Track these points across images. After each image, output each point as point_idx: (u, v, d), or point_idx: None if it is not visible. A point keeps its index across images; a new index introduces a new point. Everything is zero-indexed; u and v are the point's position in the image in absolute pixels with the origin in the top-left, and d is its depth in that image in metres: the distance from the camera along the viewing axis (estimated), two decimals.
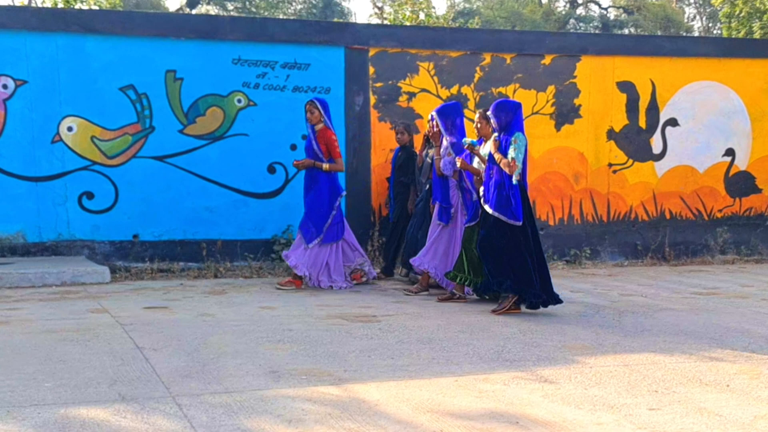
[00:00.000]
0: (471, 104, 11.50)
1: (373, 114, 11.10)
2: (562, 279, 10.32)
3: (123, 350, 6.19)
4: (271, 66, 10.54)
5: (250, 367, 5.80)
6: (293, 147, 10.67)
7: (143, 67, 10.05)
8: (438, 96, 11.34)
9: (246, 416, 4.72)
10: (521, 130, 7.87)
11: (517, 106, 7.98)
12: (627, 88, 12.20)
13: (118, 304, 7.99)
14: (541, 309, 7.94)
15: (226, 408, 4.86)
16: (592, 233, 12.12)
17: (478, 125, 8.34)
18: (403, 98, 11.22)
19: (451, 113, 8.88)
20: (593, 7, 42.12)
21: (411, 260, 9.12)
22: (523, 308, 7.99)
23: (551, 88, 11.85)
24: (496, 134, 7.94)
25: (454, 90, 11.43)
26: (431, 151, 9.21)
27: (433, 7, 18.92)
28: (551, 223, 11.95)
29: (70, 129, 9.88)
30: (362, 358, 6.10)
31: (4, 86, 9.67)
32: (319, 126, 9.16)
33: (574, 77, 11.94)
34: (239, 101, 10.44)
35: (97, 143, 9.87)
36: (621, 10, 41.04)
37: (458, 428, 4.57)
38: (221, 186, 10.39)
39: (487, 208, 7.90)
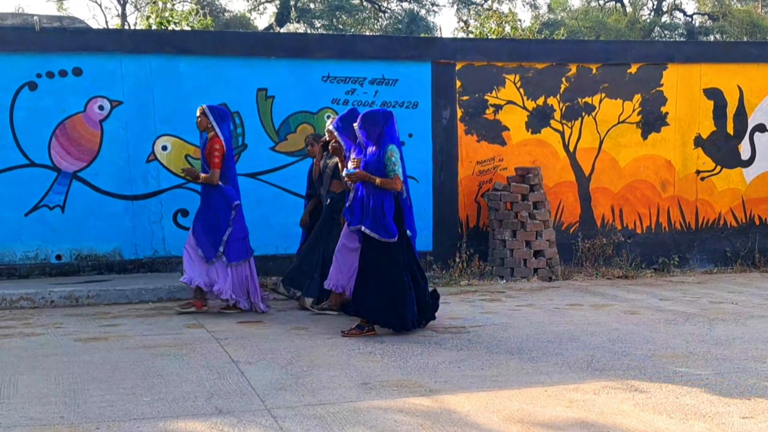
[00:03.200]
0: (557, 115, 11.47)
1: (460, 127, 11.16)
2: (650, 287, 10.20)
3: (219, 364, 6.35)
4: (359, 82, 10.71)
5: (343, 379, 5.89)
6: None
7: (235, 86, 10.32)
8: (524, 107, 11.34)
9: (339, 428, 4.81)
10: (393, 141, 7.30)
11: (388, 116, 7.36)
12: (714, 94, 11.99)
13: (213, 319, 8.17)
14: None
15: (320, 420, 4.96)
16: (681, 241, 11.92)
17: (334, 144, 7.97)
18: (489, 111, 11.26)
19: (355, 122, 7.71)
20: (678, 14, 41.28)
21: (325, 283, 8.23)
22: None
23: (637, 97, 11.73)
24: (350, 152, 7.46)
25: (540, 101, 11.42)
26: (330, 162, 8.50)
27: (519, 20, 18.81)
28: (638, 231, 11.80)
29: (164, 148, 10.20)
30: (452, 369, 6.14)
31: (101, 107, 10.02)
32: (210, 134, 8.38)
33: (661, 85, 11.79)
34: (329, 117, 10.58)
35: (191, 162, 10.16)
36: (706, 17, 40.13)
37: None
38: None
39: (358, 227, 7.34)
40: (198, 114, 8.40)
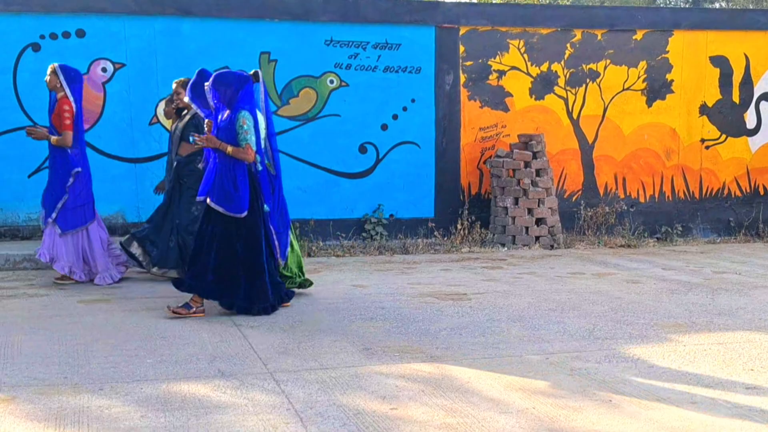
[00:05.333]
0: (561, 81, 11.42)
1: (463, 93, 11.12)
2: (653, 257, 10.21)
3: (221, 327, 6.39)
4: (362, 47, 10.65)
5: (344, 344, 5.93)
6: (384, 127, 10.78)
7: (238, 49, 10.27)
8: (528, 73, 11.29)
9: (341, 392, 4.85)
10: (248, 108, 6.69)
11: (243, 80, 6.71)
12: (720, 62, 11.93)
13: None
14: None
15: (321, 384, 5.00)
16: (684, 210, 11.92)
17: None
18: (493, 76, 11.21)
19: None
20: None
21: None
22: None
23: (643, 64, 11.67)
24: (202, 114, 6.94)
25: (544, 67, 11.36)
26: (180, 124, 8.08)
27: None
28: (642, 200, 11.80)
29: None
30: (453, 336, 6.17)
31: (104, 69, 9.98)
32: (60, 94, 8.01)
33: (666, 52, 11.73)
34: (331, 82, 10.58)
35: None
36: None
37: (550, 406, 4.61)
38: (314, 166, 10.58)
39: (205, 199, 6.77)
40: (48, 72, 8.02)
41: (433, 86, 10.95)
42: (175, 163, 8.12)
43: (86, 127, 9.85)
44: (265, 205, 6.92)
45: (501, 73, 11.24)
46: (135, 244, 8.25)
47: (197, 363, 5.45)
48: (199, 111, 6.99)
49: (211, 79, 6.69)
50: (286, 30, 10.40)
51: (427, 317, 6.79)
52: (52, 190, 8.06)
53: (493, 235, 10.93)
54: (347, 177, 10.73)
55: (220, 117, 6.71)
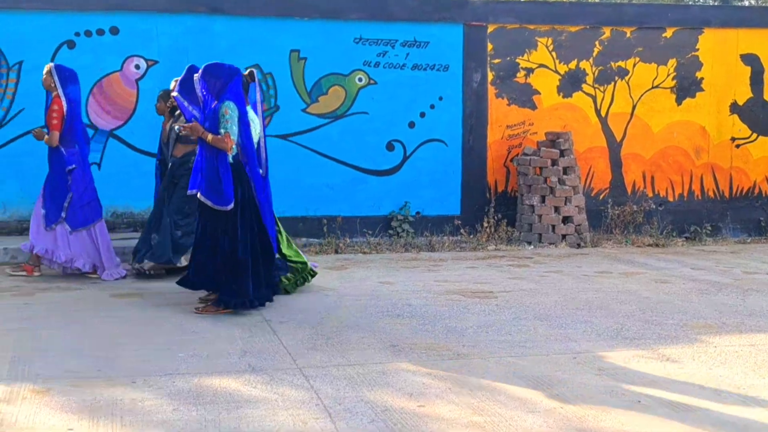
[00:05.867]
0: (589, 79, 11.40)
1: (491, 90, 11.13)
2: (681, 256, 10.18)
3: (251, 322, 6.47)
4: (391, 44, 10.69)
5: (372, 340, 5.98)
6: (411, 124, 10.81)
7: (268, 47, 10.32)
8: (556, 71, 11.28)
9: (369, 389, 4.90)
10: (235, 99, 6.64)
11: (233, 72, 6.70)
12: (751, 60, 11.85)
13: None
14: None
15: (349, 380, 5.05)
16: (714, 209, 11.86)
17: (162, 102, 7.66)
18: (520, 74, 11.21)
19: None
20: None
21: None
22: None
23: (672, 62, 11.63)
24: (195, 111, 6.89)
25: (573, 65, 11.35)
26: (176, 125, 7.94)
27: None
28: (670, 198, 11.76)
29: None
30: (480, 334, 6.21)
31: (137, 66, 10.08)
32: (54, 94, 8.08)
33: (696, 50, 11.68)
34: (360, 80, 10.63)
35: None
36: None
37: (577, 406, 4.63)
38: (341, 163, 10.64)
39: (196, 193, 6.75)
40: (44, 72, 8.12)
41: (460, 84, 10.97)
42: (170, 164, 8.14)
43: (119, 123, 10.01)
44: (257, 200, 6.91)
45: (529, 71, 11.24)
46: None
47: (228, 357, 5.52)
48: (185, 102, 6.91)
49: (201, 70, 6.69)
50: (316, 28, 10.45)
51: (454, 315, 6.82)
52: (53, 190, 8.11)
53: (520, 233, 10.93)
54: (374, 174, 10.78)
55: (210, 106, 6.67)
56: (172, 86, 7.99)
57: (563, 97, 11.39)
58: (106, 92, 9.99)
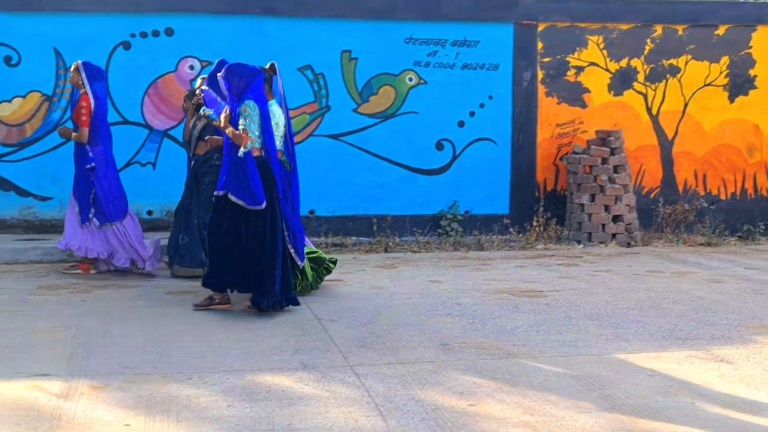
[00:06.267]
0: (641, 77, 11.32)
1: (541, 89, 11.10)
2: (734, 255, 10.06)
3: (303, 320, 6.54)
4: (441, 44, 10.71)
5: (422, 339, 6.01)
6: (461, 124, 10.82)
7: (320, 47, 10.39)
8: (607, 69, 11.21)
9: (419, 387, 4.94)
10: (255, 99, 6.66)
11: (255, 73, 6.73)
12: None
13: None
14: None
15: (400, 379, 5.09)
16: (767, 208, 11.70)
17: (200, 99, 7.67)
18: (571, 72, 11.16)
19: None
20: None
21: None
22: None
23: (725, 59, 11.49)
24: (213, 117, 6.99)
25: (623, 63, 11.27)
26: (199, 123, 7.99)
27: None
28: (723, 197, 11.62)
29: None
30: (530, 333, 6.21)
31: (191, 67, 10.21)
32: (82, 91, 8.17)
33: (750, 47, 11.52)
34: (410, 80, 10.67)
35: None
36: None
37: (630, 407, 4.62)
38: (391, 163, 10.68)
39: (225, 193, 6.72)
40: (71, 70, 8.22)
41: (510, 83, 10.96)
42: (192, 162, 8.14)
43: (174, 123, 10.16)
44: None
45: (579, 69, 11.18)
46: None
47: (281, 355, 5.60)
48: (208, 109, 7.02)
49: (223, 69, 6.74)
50: (367, 28, 10.50)
51: (504, 314, 6.83)
52: (78, 186, 8.23)
53: (569, 232, 10.89)
54: (424, 173, 10.81)
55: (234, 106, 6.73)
56: (199, 83, 8.08)
57: (614, 95, 11.32)
58: (161, 93, 10.15)
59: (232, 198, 6.63)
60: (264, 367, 5.33)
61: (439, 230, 10.77)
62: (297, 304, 6.87)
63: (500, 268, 9.11)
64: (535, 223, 10.90)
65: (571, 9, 11.17)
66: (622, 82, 11.31)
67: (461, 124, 10.83)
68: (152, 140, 10.01)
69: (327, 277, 8.03)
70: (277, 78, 7.11)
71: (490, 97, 10.88)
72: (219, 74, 6.74)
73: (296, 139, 10.27)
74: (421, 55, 10.67)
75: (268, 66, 7.11)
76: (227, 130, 6.65)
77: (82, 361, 5.41)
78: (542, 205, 11.07)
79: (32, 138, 9.53)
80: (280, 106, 7.11)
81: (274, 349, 5.74)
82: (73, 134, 8.17)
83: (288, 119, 7.21)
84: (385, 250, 10.14)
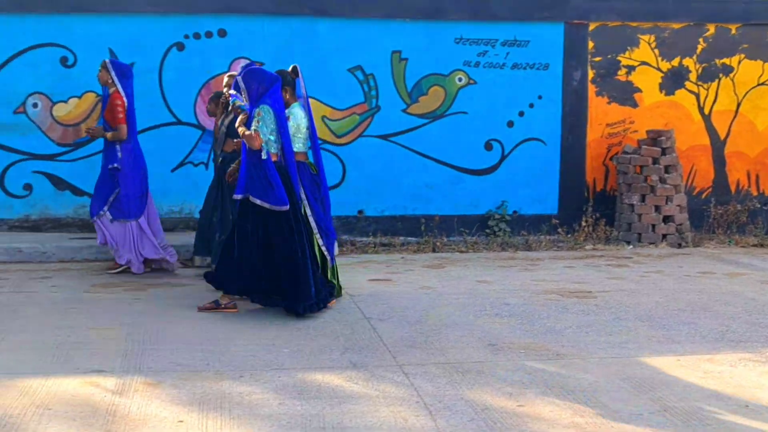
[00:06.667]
0: (693, 76, 11.19)
1: (591, 89, 11.02)
2: None
3: (352, 320, 6.59)
4: (491, 44, 10.69)
5: (470, 339, 6.03)
6: (510, 124, 10.79)
7: (370, 48, 10.43)
8: (658, 68, 11.11)
9: (468, 387, 4.96)
10: (270, 104, 6.67)
11: (274, 79, 6.77)
12: None
13: (345, 276, 8.30)
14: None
15: (449, 378, 5.12)
16: None
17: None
18: (622, 72, 11.08)
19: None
20: None
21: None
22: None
23: None
24: (243, 107, 6.85)
25: (675, 62, 11.15)
26: (227, 120, 7.99)
27: None
28: None
29: None
30: (579, 334, 6.19)
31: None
32: (112, 89, 8.24)
33: None
34: (460, 80, 10.67)
35: (327, 123, 10.39)
36: None
37: (682, 410, 4.59)
38: (440, 163, 10.69)
39: (246, 196, 6.70)
40: (100, 68, 8.26)
41: (560, 82, 10.91)
42: (220, 160, 8.11)
43: None
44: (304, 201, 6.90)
45: (630, 69, 11.09)
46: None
47: (330, 354, 5.65)
48: (238, 100, 6.91)
49: (244, 73, 6.80)
50: (417, 29, 10.51)
51: (552, 314, 6.82)
52: (101, 183, 8.34)
53: (618, 232, 10.81)
54: (472, 173, 10.81)
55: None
56: (225, 81, 8.12)
57: (665, 94, 11.21)
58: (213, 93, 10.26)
59: (255, 201, 6.62)
60: (314, 365, 5.39)
61: (487, 230, 10.75)
62: (327, 303, 6.88)
63: (548, 268, 9.08)
64: (584, 224, 10.84)
65: (622, 8, 11.07)
66: (673, 81, 11.20)
67: (510, 124, 10.80)
68: (205, 141, 10.12)
69: (375, 277, 8.07)
70: (300, 81, 7.17)
71: (540, 97, 10.84)
72: (239, 77, 6.81)
73: (346, 139, 10.42)
74: (471, 55, 10.66)
75: (290, 69, 7.20)
76: (240, 130, 6.70)
77: (136, 358, 5.51)
78: (591, 206, 11.01)
79: (87, 138, 9.69)
80: (303, 108, 7.15)
81: (323, 348, 5.80)
82: (109, 133, 8.23)
83: (312, 122, 7.22)
84: (433, 250, 10.15)
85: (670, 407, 4.63)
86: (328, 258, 7.16)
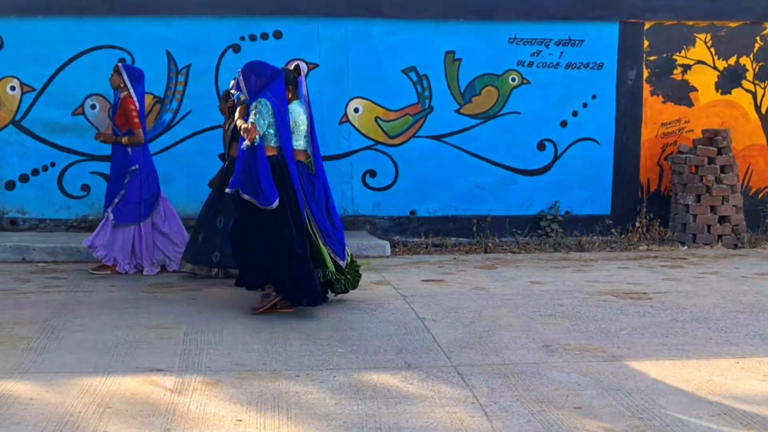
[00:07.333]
0: (750, 75, 11.03)
1: (646, 88, 10.93)
2: None
3: (406, 320, 6.61)
4: (545, 44, 10.65)
5: (525, 340, 6.02)
6: (563, 123, 10.74)
7: (424, 49, 10.45)
8: (714, 67, 10.97)
9: (524, 388, 4.95)
10: (272, 97, 6.62)
11: (276, 73, 6.72)
12: None
13: (398, 277, 8.43)
14: None
15: (504, 379, 5.11)
16: None
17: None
18: (677, 71, 10.96)
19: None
20: None
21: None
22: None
23: None
24: (243, 100, 6.79)
25: (732, 61, 11.01)
26: (233, 124, 7.75)
27: None
28: None
29: (356, 110, 10.46)
30: (635, 336, 6.15)
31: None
32: (123, 93, 8.29)
33: None
34: (513, 80, 10.64)
35: (381, 123, 10.45)
36: None
37: (743, 414, 4.53)
38: (492, 163, 10.67)
39: (236, 190, 6.68)
40: (113, 72, 8.33)
41: (614, 82, 10.83)
42: (226, 164, 8.08)
43: None
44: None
45: (686, 68, 10.97)
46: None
47: (385, 354, 5.68)
48: (242, 95, 6.83)
49: (246, 66, 6.78)
50: (471, 29, 10.51)
51: (607, 316, 6.77)
52: (112, 184, 8.44)
53: (673, 233, 10.69)
54: (524, 174, 10.77)
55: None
56: (232, 84, 8.17)
57: (721, 93, 11.07)
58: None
59: (244, 196, 6.60)
60: (369, 365, 5.42)
61: (539, 231, 10.71)
62: (325, 300, 6.90)
63: (602, 269, 9.01)
64: (637, 224, 10.75)
65: (677, 7, 10.96)
66: (730, 80, 11.06)
67: (564, 123, 10.75)
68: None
69: (428, 278, 8.08)
70: (302, 80, 7.16)
71: (594, 97, 10.77)
72: (240, 71, 6.78)
73: (399, 140, 10.47)
74: (525, 54, 10.63)
75: (293, 67, 7.24)
76: (237, 122, 6.69)
77: (194, 357, 5.59)
78: (645, 206, 10.91)
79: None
80: (303, 107, 7.07)
81: (378, 348, 5.83)
82: (124, 138, 8.28)
83: (312, 121, 7.14)
84: (485, 251, 10.14)
85: (730, 410, 4.58)
86: (337, 257, 7.05)
